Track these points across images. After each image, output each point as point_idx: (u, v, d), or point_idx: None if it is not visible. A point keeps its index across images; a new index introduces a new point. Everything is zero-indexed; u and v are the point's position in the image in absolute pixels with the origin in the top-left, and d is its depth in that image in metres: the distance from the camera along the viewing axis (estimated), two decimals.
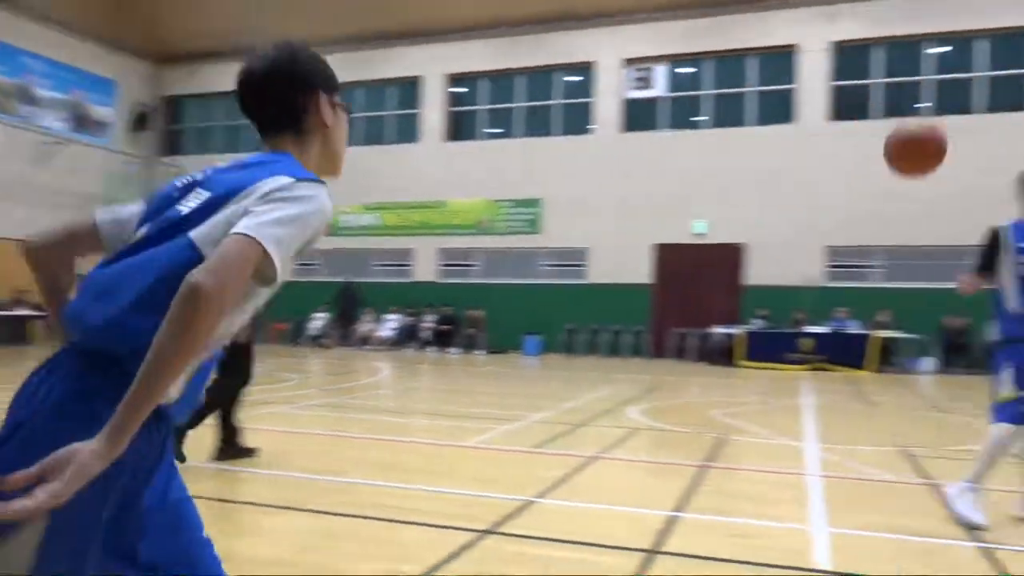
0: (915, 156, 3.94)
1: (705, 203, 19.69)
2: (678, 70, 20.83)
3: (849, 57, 19.29)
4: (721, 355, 17.73)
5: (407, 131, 23.30)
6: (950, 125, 16.62)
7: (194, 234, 1.44)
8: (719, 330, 18.23)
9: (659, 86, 20.83)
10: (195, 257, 1.39)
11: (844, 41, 19.20)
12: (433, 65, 22.72)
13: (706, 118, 20.48)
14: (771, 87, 19.88)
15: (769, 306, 18.51)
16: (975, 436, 7.87)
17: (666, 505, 4.60)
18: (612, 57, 21.05)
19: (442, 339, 20.79)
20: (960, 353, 16.97)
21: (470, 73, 22.76)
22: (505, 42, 21.94)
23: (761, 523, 4.35)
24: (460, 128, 23.05)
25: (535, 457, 6.23)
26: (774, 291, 18.82)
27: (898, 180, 15.79)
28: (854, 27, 19.08)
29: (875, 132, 18.75)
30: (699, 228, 19.79)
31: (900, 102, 18.88)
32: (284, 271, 1.43)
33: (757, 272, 19.26)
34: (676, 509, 4.53)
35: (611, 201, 20.43)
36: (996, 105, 18.06)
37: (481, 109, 22.86)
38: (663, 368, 16.74)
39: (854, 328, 17.26)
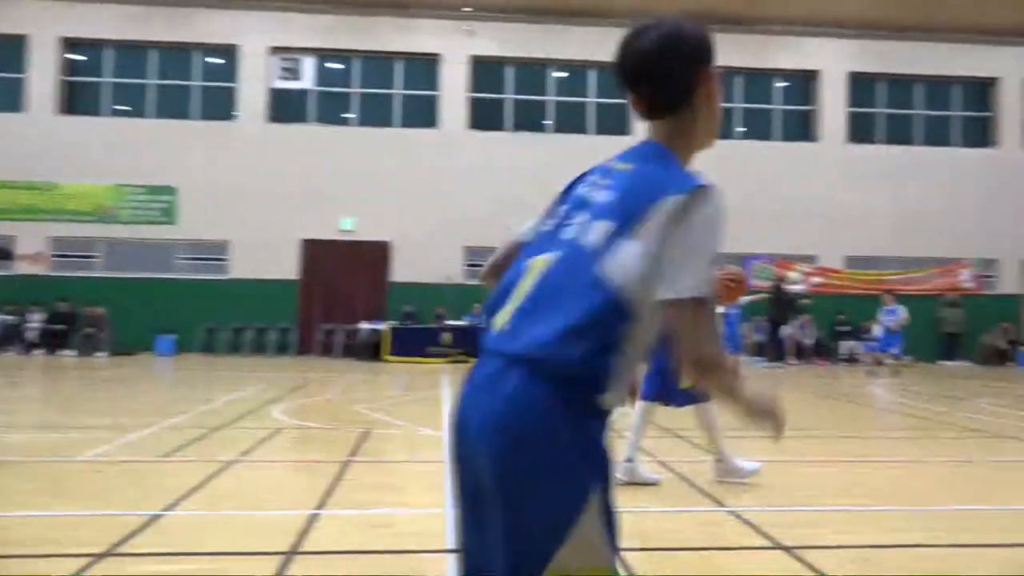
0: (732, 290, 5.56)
1: (353, 200, 19.85)
2: (328, 64, 20.72)
3: (485, 71, 20.86)
4: (368, 351, 18.03)
5: (7, 98, 19.94)
6: (568, 144, 18.66)
7: (605, 270, 1.53)
8: (366, 326, 18.52)
9: (307, 78, 20.51)
10: (611, 297, 1.51)
11: (481, 56, 20.72)
12: (43, 24, 19.73)
13: (355, 115, 20.66)
14: (416, 91, 20.70)
15: (413, 302, 19.29)
16: None
17: (308, 504, 4.53)
18: (258, 43, 20.22)
19: (54, 340, 18.19)
20: None
21: (92, 40, 20.22)
22: (136, 10, 19.88)
23: (401, 511, 4.50)
24: (78, 101, 20.36)
25: (164, 466, 5.74)
26: (418, 288, 19.65)
27: (524, 187, 17.29)
28: (490, 44, 20.68)
29: (508, 143, 20.64)
30: (347, 225, 19.89)
31: (529, 117, 20.92)
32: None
33: (402, 269, 19.94)
34: (318, 507, 4.49)
35: (256, 193, 19.62)
36: (604, 129, 20.87)
37: (105, 82, 20.44)
38: (309, 365, 16.53)
39: None
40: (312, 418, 8.49)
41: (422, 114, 20.65)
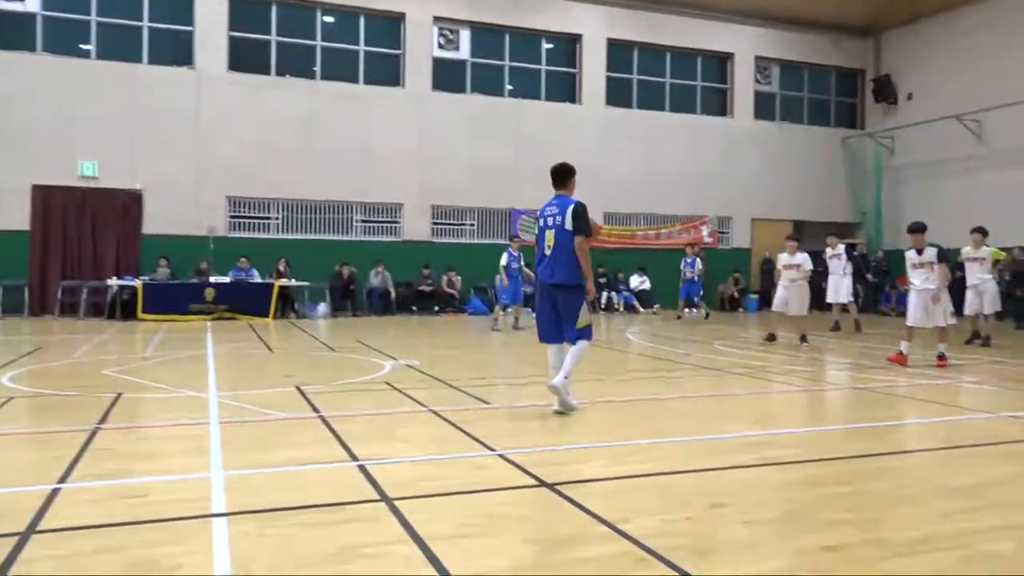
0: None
1: (95, 143, 17.84)
2: None
3: (247, 9, 19.44)
4: (119, 309, 16.50)
5: None
6: (337, 92, 17.99)
7: None
8: (116, 282, 16.90)
9: (33, 0, 17.91)
10: None
11: None
12: None
13: (93, 47, 18.42)
14: (167, 25, 18.84)
15: (171, 256, 17.87)
16: (358, 370, 8.93)
17: (48, 479, 4.09)
18: None
19: None
20: (348, 297, 19.02)
21: None
22: None
23: (159, 479, 4.21)
24: None
25: None
26: (176, 240, 18.21)
27: (292, 136, 16.64)
28: None
29: (273, 87, 19.51)
30: (88, 170, 17.87)
31: (295, 62, 19.87)
32: None
33: (158, 220, 18.32)
34: (60, 481, 4.07)
35: None
36: (374, 79, 20.39)
37: None
38: (47, 327, 14.83)
39: (256, 277, 17.85)
40: (52, 384, 7.64)
41: (175, 50, 18.87)
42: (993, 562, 3.10)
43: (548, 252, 6.28)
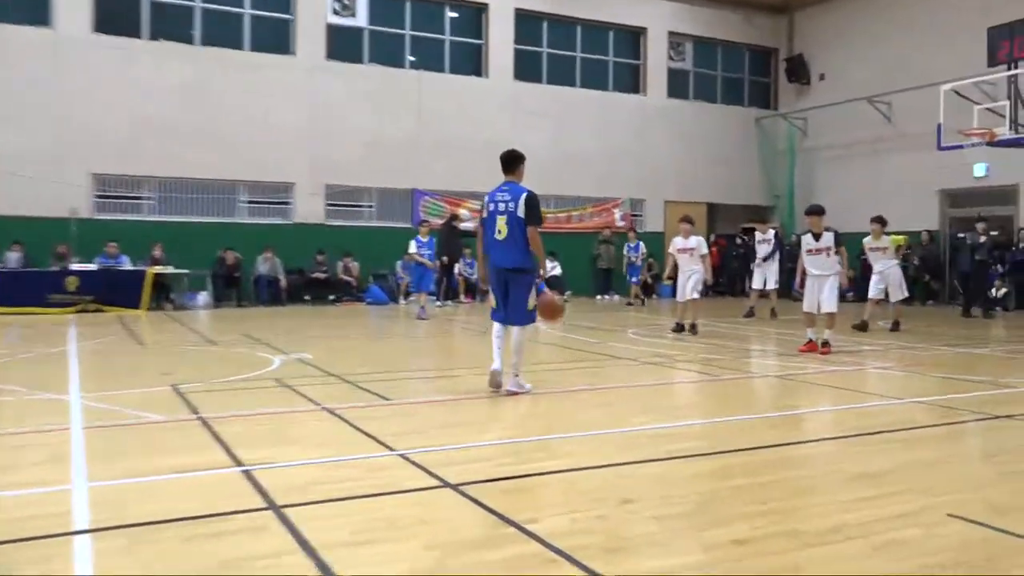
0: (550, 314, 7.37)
1: None
2: None
3: None
4: None
5: None
6: (220, 58, 17.52)
7: None
8: None
9: None
10: None
11: None
12: None
13: None
14: None
15: (25, 240, 16.88)
16: (243, 366, 8.69)
17: None
18: None
19: None
20: (233, 286, 18.44)
21: None
22: None
23: (13, 493, 3.98)
24: None
25: None
26: (31, 223, 17.19)
27: (169, 106, 16.03)
28: None
29: (146, 53, 18.65)
30: None
31: (172, 25, 19.03)
32: None
33: (9, 200, 17.24)
34: None
35: None
36: (261, 45, 19.76)
37: None
38: None
39: (127, 264, 17.08)
40: None
41: (29, 7, 17.77)
42: (900, 549, 3.29)
43: (500, 237, 6.81)
